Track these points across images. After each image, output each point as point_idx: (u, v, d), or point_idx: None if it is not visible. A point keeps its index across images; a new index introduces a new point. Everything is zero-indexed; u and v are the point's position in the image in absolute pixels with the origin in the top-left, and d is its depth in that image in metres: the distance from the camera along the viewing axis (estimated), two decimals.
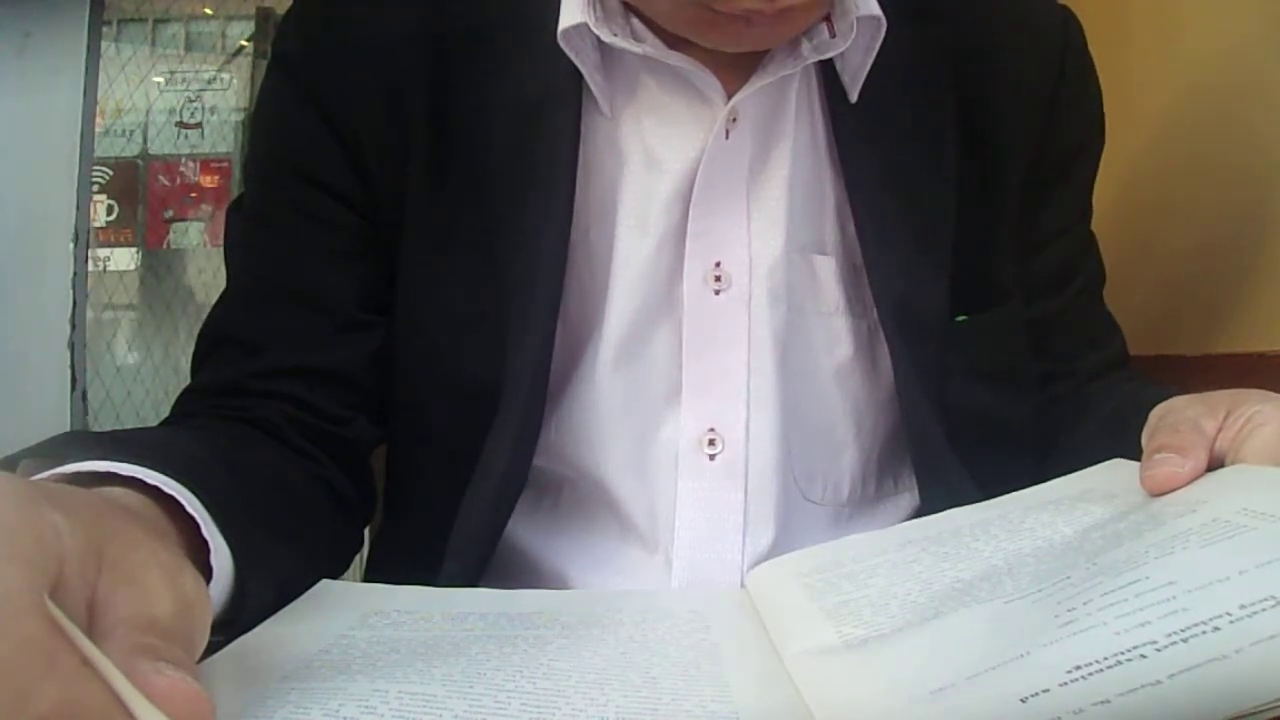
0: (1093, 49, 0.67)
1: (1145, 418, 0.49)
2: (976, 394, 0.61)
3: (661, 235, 0.59)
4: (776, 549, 0.59)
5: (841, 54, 0.58)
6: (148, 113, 2.35)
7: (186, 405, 0.61)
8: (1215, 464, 0.43)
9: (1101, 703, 0.28)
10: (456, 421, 0.60)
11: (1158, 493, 0.41)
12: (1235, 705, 0.28)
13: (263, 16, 2.41)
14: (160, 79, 2.37)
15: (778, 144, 0.60)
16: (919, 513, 0.60)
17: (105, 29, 1.74)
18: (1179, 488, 0.41)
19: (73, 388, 1.54)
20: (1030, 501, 0.48)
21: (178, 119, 2.37)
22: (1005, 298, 0.64)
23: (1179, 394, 0.51)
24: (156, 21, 2.41)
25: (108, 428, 0.64)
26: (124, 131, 2.34)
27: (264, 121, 0.63)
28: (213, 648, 0.37)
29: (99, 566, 0.30)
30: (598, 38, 0.56)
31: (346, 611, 0.45)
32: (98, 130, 1.65)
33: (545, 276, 0.58)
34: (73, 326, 1.54)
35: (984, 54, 0.63)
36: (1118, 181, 1.00)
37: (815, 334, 0.61)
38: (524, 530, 0.61)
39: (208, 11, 2.43)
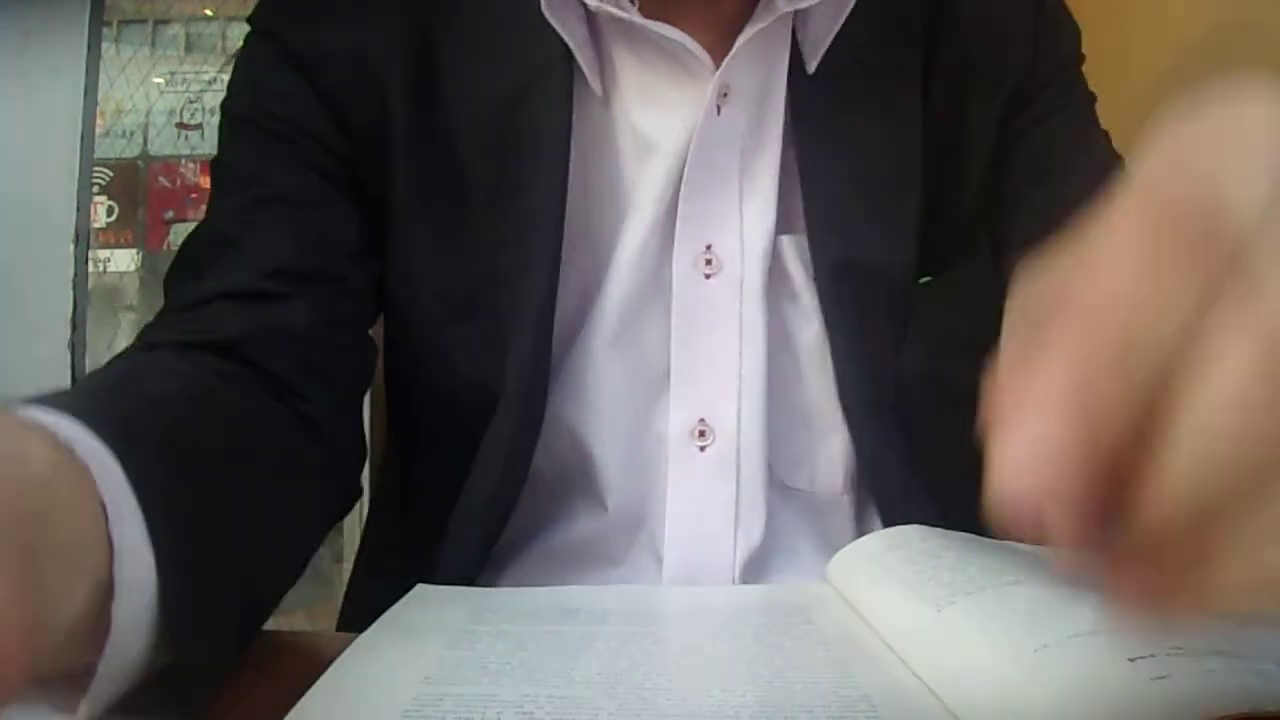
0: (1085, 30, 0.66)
1: None
2: (930, 363, 0.60)
3: (654, 218, 0.57)
4: (766, 545, 0.58)
5: (804, 22, 0.57)
6: (148, 114, 2.35)
7: (156, 334, 0.53)
8: None
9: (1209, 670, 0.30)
10: (451, 424, 0.58)
11: None
12: None
13: None
14: (160, 80, 2.36)
15: (769, 118, 0.58)
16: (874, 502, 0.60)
17: (105, 30, 1.74)
18: None
19: None
20: None
21: (178, 120, 2.37)
22: (970, 252, 0.62)
23: None
24: (157, 22, 2.41)
25: None
26: (124, 132, 2.34)
27: (242, 83, 0.59)
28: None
29: None
30: (584, 8, 0.55)
31: (452, 609, 0.45)
32: (98, 131, 1.65)
33: (540, 266, 0.56)
34: (73, 327, 1.54)
35: (956, 20, 0.61)
36: None
37: (789, 315, 0.59)
38: (509, 529, 0.59)
39: (208, 13, 2.43)
